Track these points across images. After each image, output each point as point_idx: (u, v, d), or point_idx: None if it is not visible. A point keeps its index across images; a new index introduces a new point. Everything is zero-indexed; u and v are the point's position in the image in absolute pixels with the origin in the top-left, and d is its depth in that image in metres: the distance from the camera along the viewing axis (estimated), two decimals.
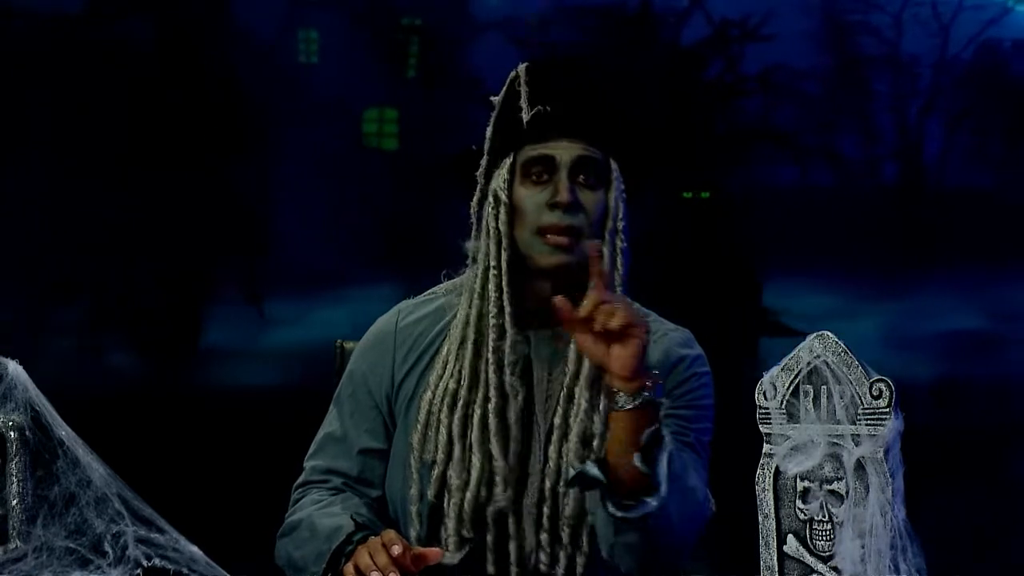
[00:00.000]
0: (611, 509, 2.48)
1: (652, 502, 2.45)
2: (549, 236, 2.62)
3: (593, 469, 2.47)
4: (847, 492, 2.00)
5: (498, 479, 2.63)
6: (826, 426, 2.03)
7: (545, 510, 2.64)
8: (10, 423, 2.13)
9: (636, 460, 2.43)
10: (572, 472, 2.51)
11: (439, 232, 6.52)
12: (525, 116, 2.65)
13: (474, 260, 2.72)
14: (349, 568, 2.52)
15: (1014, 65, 7.08)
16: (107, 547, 2.03)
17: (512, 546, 2.65)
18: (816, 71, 7.10)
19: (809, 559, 2.04)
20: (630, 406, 2.43)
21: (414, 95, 6.95)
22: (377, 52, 6.87)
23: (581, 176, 2.65)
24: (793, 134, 7.11)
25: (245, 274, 6.92)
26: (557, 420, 2.65)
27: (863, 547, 1.96)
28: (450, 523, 2.64)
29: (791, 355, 2.08)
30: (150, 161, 6.74)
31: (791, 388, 2.06)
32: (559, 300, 2.44)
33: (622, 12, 6.95)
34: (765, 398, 2.09)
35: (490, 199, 2.68)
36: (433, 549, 2.54)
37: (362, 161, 6.94)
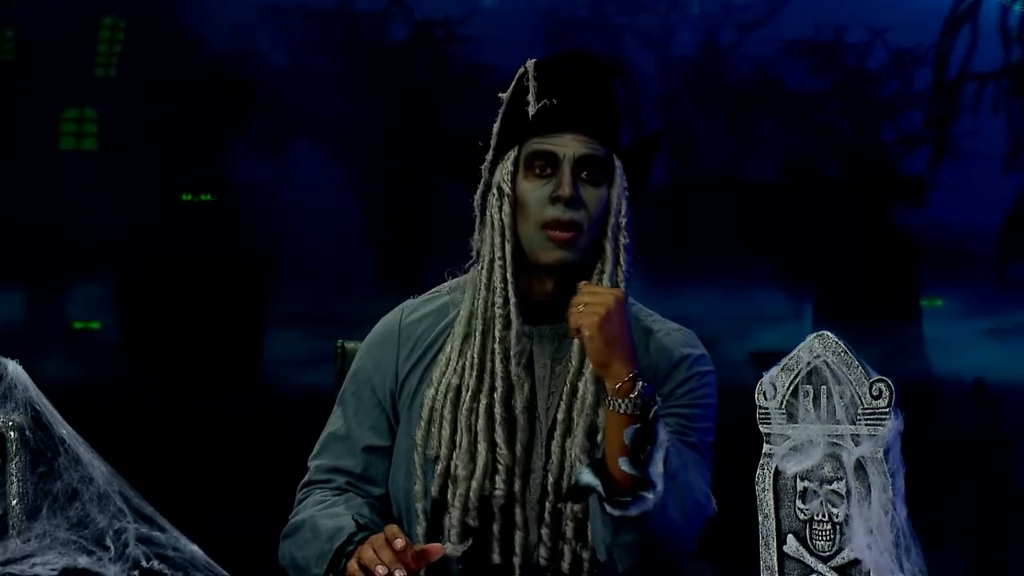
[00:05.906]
0: (608, 509, 2.49)
1: (649, 500, 2.46)
2: (551, 232, 2.63)
3: (587, 476, 2.49)
4: (847, 492, 2.00)
5: (501, 469, 2.64)
6: (826, 426, 2.03)
7: (547, 505, 2.65)
8: (10, 423, 2.13)
9: (623, 464, 2.47)
10: (572, 482, 2.54)
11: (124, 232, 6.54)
12: (531, 110, 2.66)
13: (478, 256, 2.73)
14: (353, 565, 2.52)
15: (779, 67, 7.00)
16: (109, 542, 2.04)
17: (517, 537, 2.65)
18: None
19: (809, 559, 2.04)
20: (613, 405, 2.51)
21: (114, 95, 6.83)
22: (77, 50, 6.76)
23: (584, 172, 2.65)
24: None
25: None
26: (560, 415, 2.65)
27: (873, 542, 1.96)
28: (455, 513, 2.64)
29: (791, 355, 2.07)
30: None
31: (791, 388, 2.06)
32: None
33: (323, 11, 6.83)
34: (765, 398, 2.08)
35: (494, 191, 2.69)
36: (434, 545, 2.54)
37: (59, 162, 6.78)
